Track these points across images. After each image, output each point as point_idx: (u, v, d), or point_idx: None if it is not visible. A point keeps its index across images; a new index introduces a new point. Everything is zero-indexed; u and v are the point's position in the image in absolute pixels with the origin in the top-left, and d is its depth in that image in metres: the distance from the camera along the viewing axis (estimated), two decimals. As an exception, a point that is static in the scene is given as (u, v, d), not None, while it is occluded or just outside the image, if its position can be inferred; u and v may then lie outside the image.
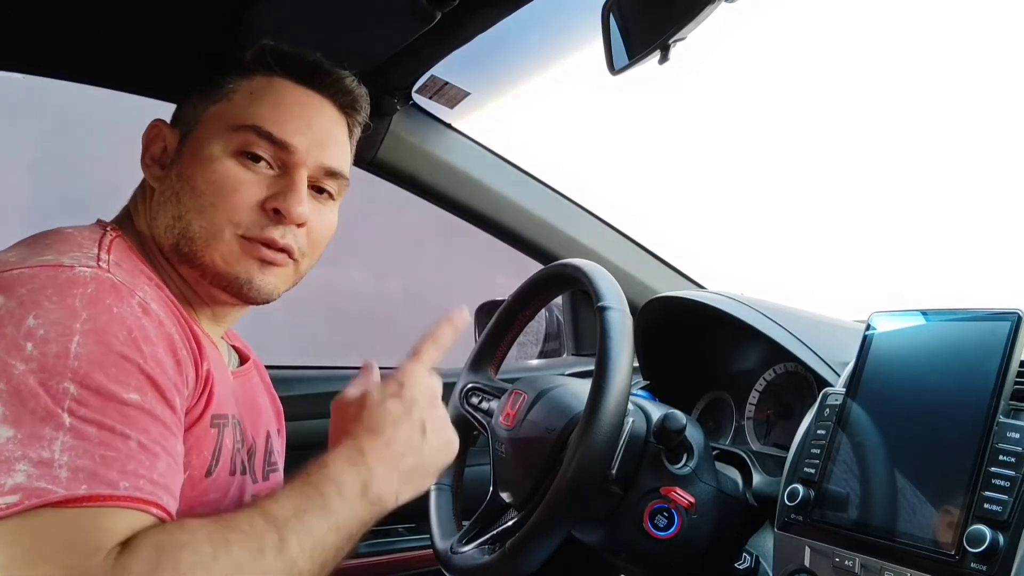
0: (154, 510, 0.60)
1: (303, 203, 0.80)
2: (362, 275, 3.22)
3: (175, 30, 1.04)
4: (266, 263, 0.80)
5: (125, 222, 0.83)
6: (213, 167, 0.78)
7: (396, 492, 0.73)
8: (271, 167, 0.80)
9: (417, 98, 1.30)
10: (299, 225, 0.81)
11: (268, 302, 0.83)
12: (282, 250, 0.80)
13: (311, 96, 0.84)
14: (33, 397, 0.57)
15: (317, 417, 1.43)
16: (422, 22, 0.98)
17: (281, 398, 1.03)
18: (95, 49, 1.09)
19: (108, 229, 0.77)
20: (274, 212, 0.79)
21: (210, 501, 0.74)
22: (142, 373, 0.63)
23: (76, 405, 0.57)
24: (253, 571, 0.59)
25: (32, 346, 0.58)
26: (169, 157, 0.82)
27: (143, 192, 0.84)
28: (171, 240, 0.79)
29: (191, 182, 0.78)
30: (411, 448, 0.74)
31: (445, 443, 0.79)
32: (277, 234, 0.79)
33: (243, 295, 0.81)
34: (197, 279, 0.81)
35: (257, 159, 0.79)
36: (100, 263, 0.68)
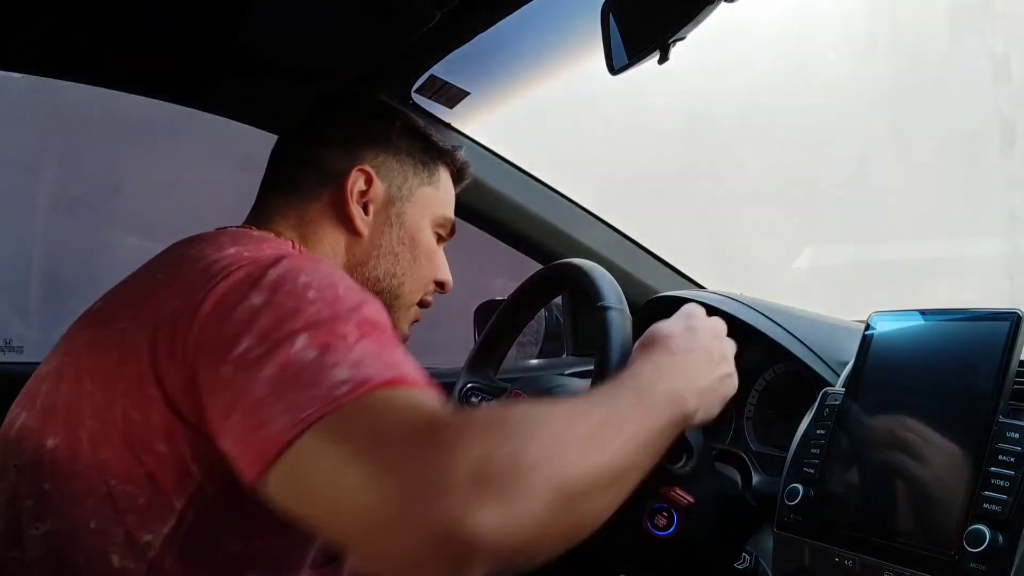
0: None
1: None
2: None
3: (174, 30, 1.04)
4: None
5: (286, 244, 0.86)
6: (430, 247, 0.94)
7: (695, 405, 0.75)
8: None
9: (417, 98, 1.30)
10: None
11: None
12: None
13: None
14: (328, 324, 0.62)
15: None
16: (422, 22, 0.98)
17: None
18: (94, 49, 1.09)
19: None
20: (438, 283, 0.97)
21: None
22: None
23: (361, 327, 0.63)
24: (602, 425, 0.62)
25: (313, 293, 0.65)
26: (375, 208, 0.91)
27: (333, 224, 0.89)
28: (374, 288, 0.89)
29: (414, 252, 0.93)
30: (701, 372, 0.78)
31: (729, 376, 0.84)
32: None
33: None
34: None
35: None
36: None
